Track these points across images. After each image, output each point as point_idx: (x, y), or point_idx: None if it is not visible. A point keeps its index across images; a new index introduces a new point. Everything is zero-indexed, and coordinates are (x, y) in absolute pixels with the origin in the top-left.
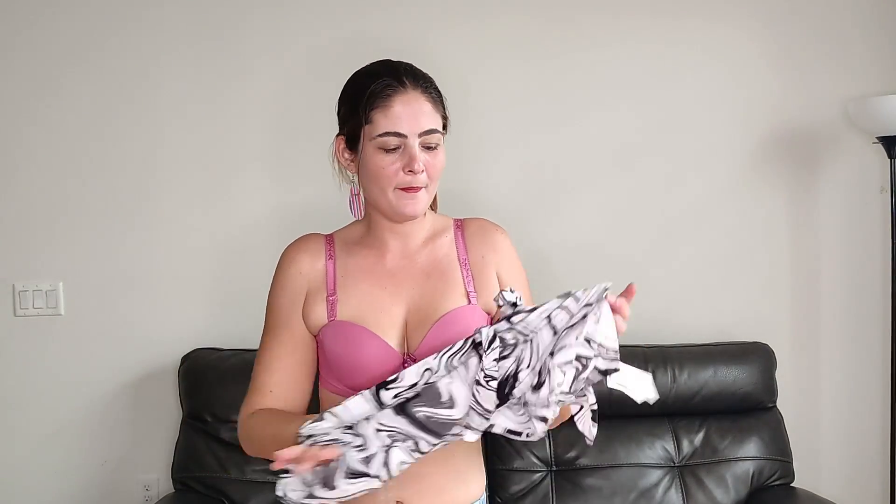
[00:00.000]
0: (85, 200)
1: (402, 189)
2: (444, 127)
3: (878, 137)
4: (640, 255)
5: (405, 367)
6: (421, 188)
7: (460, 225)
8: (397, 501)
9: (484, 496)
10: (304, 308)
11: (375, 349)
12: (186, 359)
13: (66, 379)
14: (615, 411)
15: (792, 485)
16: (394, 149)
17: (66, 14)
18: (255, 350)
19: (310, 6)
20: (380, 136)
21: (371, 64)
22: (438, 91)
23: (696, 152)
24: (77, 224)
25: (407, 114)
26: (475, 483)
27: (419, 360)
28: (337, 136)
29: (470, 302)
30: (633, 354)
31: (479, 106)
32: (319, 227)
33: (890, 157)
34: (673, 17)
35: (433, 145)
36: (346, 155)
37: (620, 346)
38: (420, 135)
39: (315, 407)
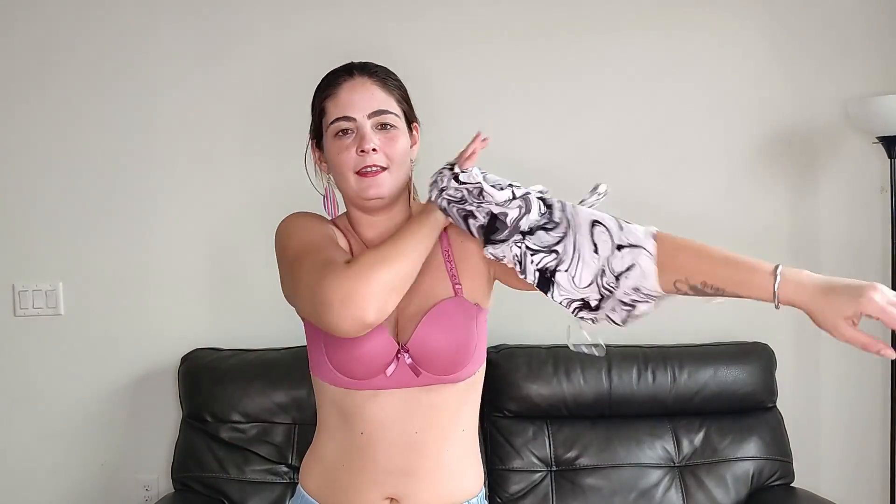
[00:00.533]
0: (85, 200)
1: (361, 173)
2: (408, 117)
3: (878, 137)
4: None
5: (398, 359)
6: (379, 170)
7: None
8: (390, 498)
9: (482, 493)
10: None
11: (375, 339)
12: (186, 359)
13: (66, 379)
14: (615, 411)
15: (792, 485)
16: (347, 133)
17: (66, 14)
18: (255, 350)
19: (299, 3)
20: (332, 122)
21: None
22: (396, 80)
23: (696, 152)
24: (77, 224)
25: (354, 98)
26: (471, 480)
27: (412, 352)
28: (309, 139)
29: (456, 294)
30: (633, 354)
31: (476, 103)
32: None
33: (890, 157)
34: (673, 17)
35: (387, 125)
36: (317, 154)
37: (621, 346)
38: (369, 116)
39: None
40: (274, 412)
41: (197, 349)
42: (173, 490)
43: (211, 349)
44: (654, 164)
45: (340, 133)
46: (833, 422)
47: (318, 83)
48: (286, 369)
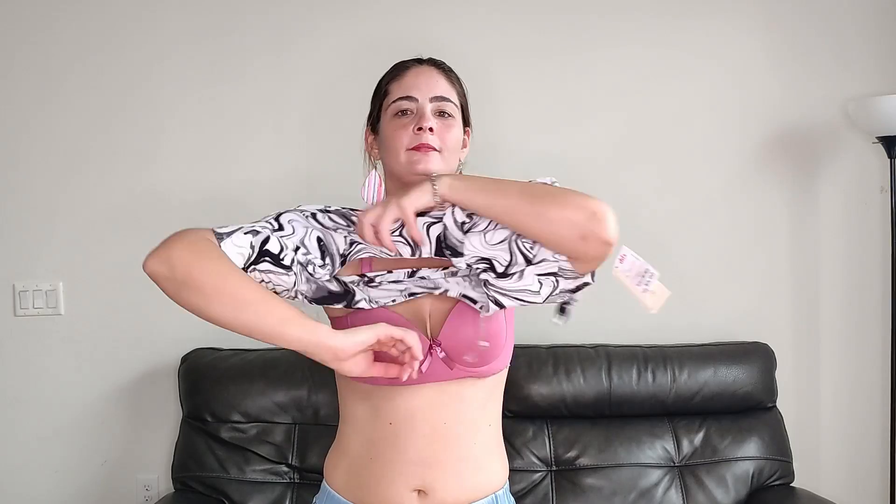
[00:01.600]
0: (85, 200)
1: (413, 148)
2: (464, 115)
3: (878, 137)
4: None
5: (432, 355)
6: (432, 148)
7: None
8: (418, 490)
9: (507, 486)
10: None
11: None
12: (186, 359)
13: (66, 379)
14: (615, 411)
15: (792, 485)
16: (407, 114)
17: (66, 15)
18: (255, 350)
19: (314, 3)
20: (394, 101)
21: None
22: (460, 80)
23: (697, 152)
24: (77, 224)
25: (419, 81)
26: (497, 473)
27: (444, 346)
28: (366, 125)
29: None
30: (633, 354)
31: (476, 103)
32: None
33: (890, 157)
34: (673, 16)
35: (447, 113)
36: (370, 139)
37: (623, 346)
38: (432, 99)
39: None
40: (274, 412)
41: (197, 349)
42: (173, 490)
43: (211, 349)
44: (654, 163)
45: (400, 113)
46: (833, 422)
47: (386, 71)
48: (286, 369)
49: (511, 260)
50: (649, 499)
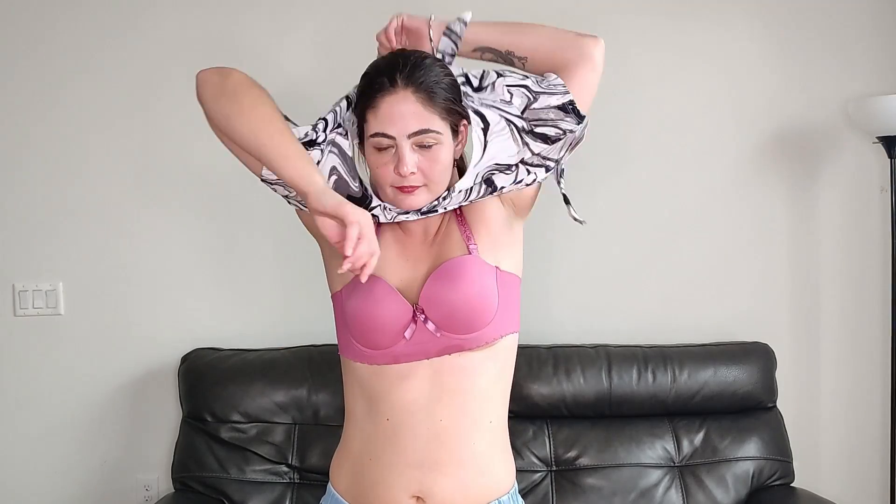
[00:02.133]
0: (85, 200)
1: (398, 187)
2: (455, 119)
3: (878, 137)
4: (640, 255)
5: (415, 322)
6: (417, 186)
7: None
8: (416, 497)
9: (514, 488)
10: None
11: (390, 303)
12: (186, 359)
13: (66, 379)
14: (615, 411)
15: (792, 485)
16: (386, 148)
17: (67, 15)
18: (255, 350)
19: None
20: (371, 136)
21: (384, 55)
22: (444, 84)
23: (696, 152)
24: (77, 224)
25: (394, 115)
26: (502, 475)
27: (426, 311)
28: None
29: (470, 253)
30: (633, 354)
31: None
32: None
33: (890, 157)
34: (673, 16)
35: (428, 144)
36: (360, 149)
37: (623, 346)
38: (409, 136)
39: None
40: (274, 412)
41: (197, 349)
42: (173, 490)
43: (211, 349)
44: (653, 163)
45: (380, 148)
46: (833, 422)
47: (362, 78)
48: (286, 369)
49: (482, 74)
50: (649, 499)
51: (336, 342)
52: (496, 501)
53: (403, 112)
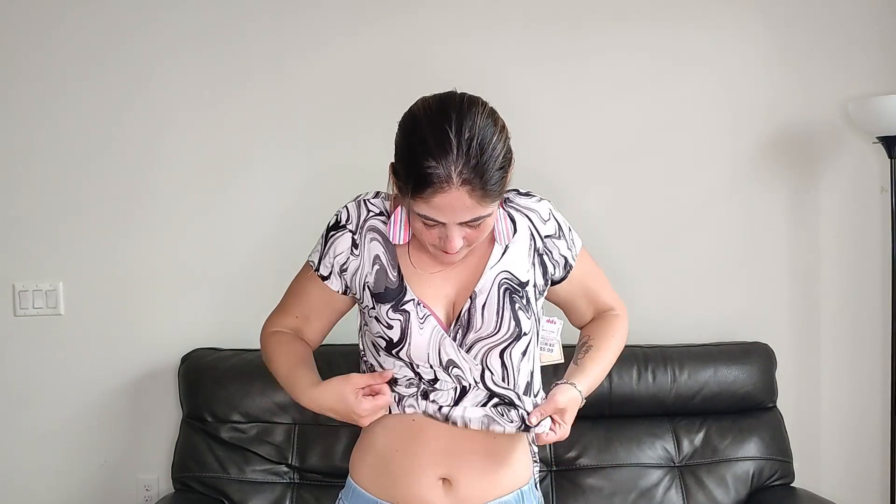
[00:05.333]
0: (85, 200)
1: (441, 250)
2: (501, 192)
3: (878, 137)
4: (640, 255)
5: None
6: (460, 251)
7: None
8: (443, 478)
9: (532, 481)
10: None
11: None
12: (186, 359)
13: (66, 379)
14: (615, 411)
15: (792, 485)
16: (434, 225)
17: (68, 17)
18: (255, 350)
19: (317, 13)
20: (419, 214)
21: (431, 114)
22: (500, 173)
23: (696, 152)
24: (77, 224)
25: (446, 209)
26: (522, 468)
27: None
28: (391, 164)
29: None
30: (633, 354)
31: None
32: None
33: (890, 157)
34: (673, 17)
35: (476, 225)
36: (396, 190)
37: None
38: (461, 223)
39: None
40: (274, 412)
41: (197, 349)
42: (173, 490)
43: (211, 349)
44: (654, 163)
45: (427, 224)
46: (833, 422)
47: (413, 142)
48: None
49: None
50: (649, 499)
51: (336, 342)
52: (518, 491)
53: (456, 207)
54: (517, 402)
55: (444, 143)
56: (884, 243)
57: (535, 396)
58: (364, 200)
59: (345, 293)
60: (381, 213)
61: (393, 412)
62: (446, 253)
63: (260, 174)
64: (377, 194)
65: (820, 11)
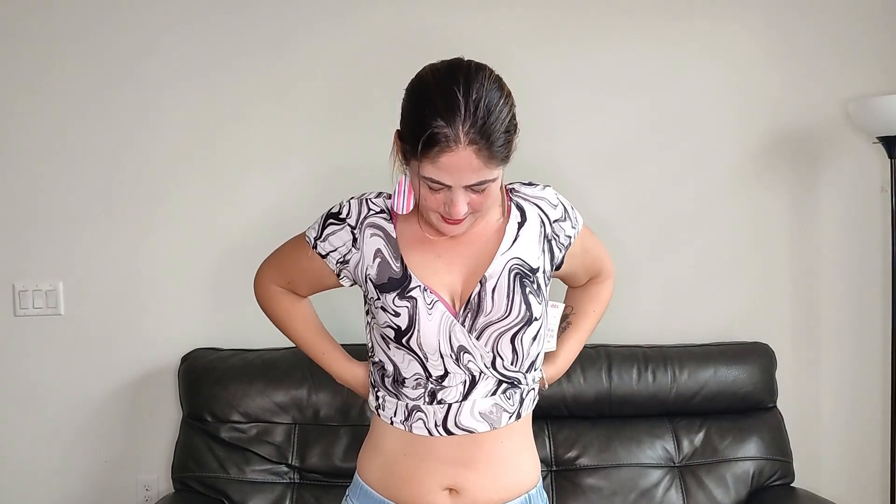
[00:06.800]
0: (85, 200)
1: (444, 217)
2: (507, 156)
3: (878, 137)
4: (641, 255)
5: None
6: (464, 218)
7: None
8: (449, 488)
9: (539, 484)
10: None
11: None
12: (186, 359)
13: (66, 379)
14: (615, 411)
15: (792, 485)
16: (439, 189)
17: (67, 13)
18: (255, 350)
19: (318, 3)
20: (425, 177)
21: (439, 77)
22: (506, 132)
23: (697, 152)
24: (77, 224)
25: (452, 169)
26: (529, 472)
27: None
28: (397, 131)
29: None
30: (633, 354)
31: None
32: None
33: (890, 157)
34: (674, 16)
35: (481, 189)
36: (401, 157)
37: (623, 346)
38: (466, 187)
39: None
40: (274, 412)
41: (197, 349)
42: (173, 490)
43: (211, 349)
44: (654, 164)
45: (431, 187)
46: (833, 422)
47: (421, 103)
48: (286, 369)
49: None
50: (649, 499)
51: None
52: (525, 496)
53: (463, 168)
54: (522, 381)
55: (452, 104)
56: (884, 243)
57: (537, 371)
58: (366, 199)
59: (338, 275)
60: (382, 212)
61: (396, 426)
62: (450, 223)
63: (260, 174)
64: (379, 194)
65: (820, 11)
